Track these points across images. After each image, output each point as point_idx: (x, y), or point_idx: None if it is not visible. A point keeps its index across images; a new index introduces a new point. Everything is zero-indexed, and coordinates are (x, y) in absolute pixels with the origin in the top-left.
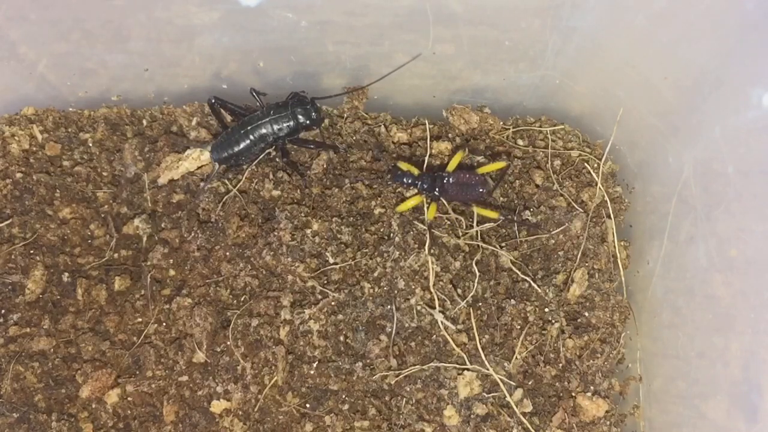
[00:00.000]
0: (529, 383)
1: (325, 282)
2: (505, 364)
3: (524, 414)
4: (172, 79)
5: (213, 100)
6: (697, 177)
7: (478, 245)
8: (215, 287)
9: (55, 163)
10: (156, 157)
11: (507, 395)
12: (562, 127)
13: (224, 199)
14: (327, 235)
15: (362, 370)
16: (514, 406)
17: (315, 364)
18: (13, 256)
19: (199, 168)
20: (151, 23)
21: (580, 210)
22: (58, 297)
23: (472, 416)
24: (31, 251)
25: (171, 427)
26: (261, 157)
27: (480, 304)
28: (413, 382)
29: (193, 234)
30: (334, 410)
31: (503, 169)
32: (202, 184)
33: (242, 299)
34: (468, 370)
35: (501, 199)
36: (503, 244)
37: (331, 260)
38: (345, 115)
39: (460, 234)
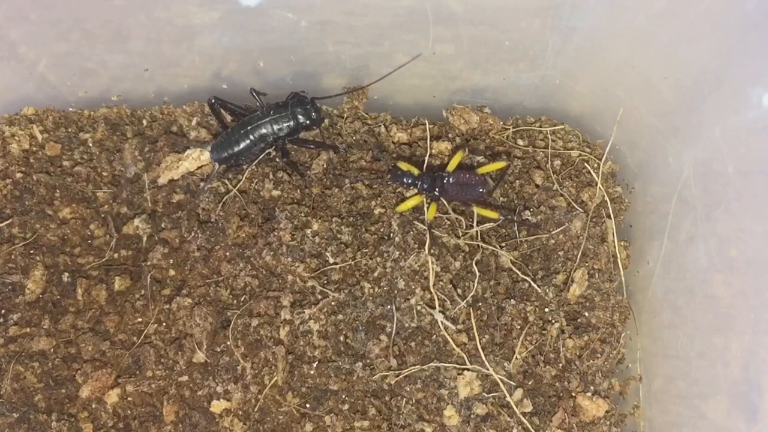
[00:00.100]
0: (529, 383)
1: (325, 282)
2: (505, 364)
3: (524, 414)
4: (172, 79)
5: (213, 100)
6: (697, 177)
7: (478, 245)
8: (215, 287)
9: (55, 163)
10: (156, 157)
11: (507, 395)
12: (562, 127)
13: (224, 199)
14: (327, 235)
15: (362, 370)
16: (514, 406)
17: (315, 364)
18: (13, 256)
19: (199, 168)
20: (151, 23)
21: (580, 210)
22: (58, 297)
23: (472, 416)
24: (31, 251)
25: (171, 427)
26: (261, 157)
27: (480, 304)
28: (413, 382)
29: (193, 234)
30: (334, 410)
31: (503, 169)
32: (202, 184)
33: (242, 299)
34: (468, 370)
35: (501, 199)
36: (503, 244)
37: (331, 260)
38: (345, 115)
39: (460, 234)
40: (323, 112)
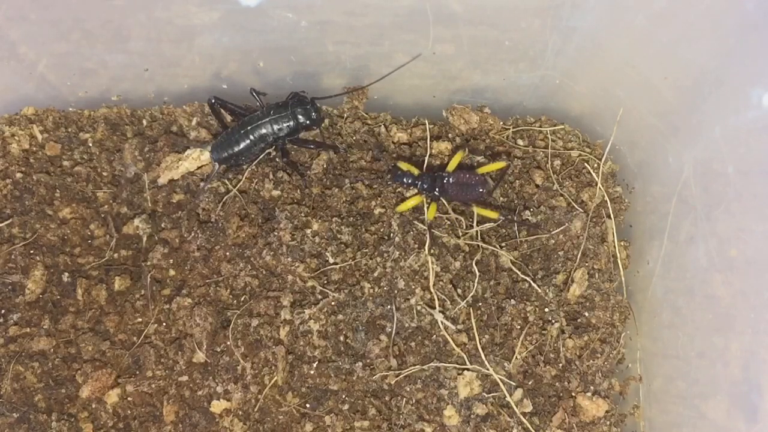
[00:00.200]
0: (529, 383)
1: (325, 282)
2: (505, 364)
3: (524, 414)
4: (172, 79)
5: (213, 100)
6: (697, 177)
7: (478, 245)
8: (215, 287)
9: (55, 163)
10: (156, 157)
11: (507, 395)
12: (562, 127)
13: (224, 199)
14: (327, 235)
15: (362, 370)
16: (514, 406)
17: (315, 364)
18: (13, 256)
19: (199, 168)
20: (151, 23)
21: (580, 210)
22: (58, 297)
23: (472, 416)
24: (31, 251)
25: (171, 427)
26: (261, 157)
27: (480, 304)
28: (413, 382)
29: (193, 234)
30: (334, 410)
31: (503, 169)
32: (202, 184)
33: (242, 299)
34: (468, 370)
35: (501, 199)
36: (503, 244)
37: (331, 260)
38: (345, 115)
39: (460, 234)
40: (323, 112)
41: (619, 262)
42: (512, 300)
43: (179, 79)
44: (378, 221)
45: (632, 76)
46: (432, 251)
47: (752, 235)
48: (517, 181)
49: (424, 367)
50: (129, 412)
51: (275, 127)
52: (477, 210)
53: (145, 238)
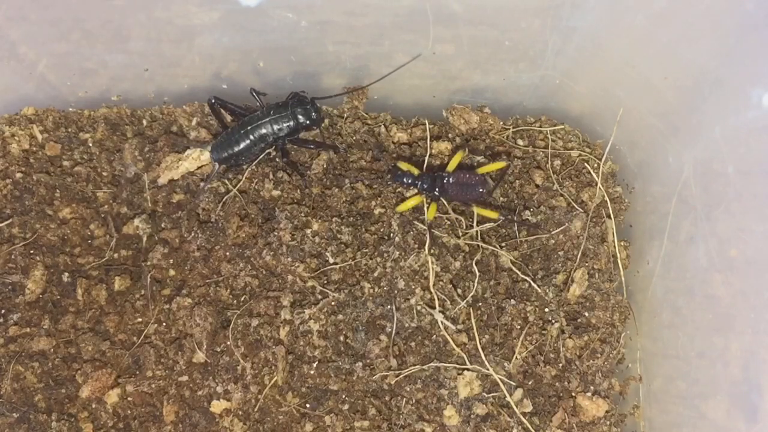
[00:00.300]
0: (529, 383)
1: (325, 282)
2: (505, 364)
3: (524, 414)
4: (172, 79)
5: (213, 100)
6: (697, 177)
7: (478, 245)
8: (215, 287)
9: (55, 163)
10: (156, 157)
11: (507, 395)
12: (562, 127)
13: (224, 199)
14: (327, 235)
15: (362, 370)
16: (514, 406)
17: (315, 364)
18: (13, 256)
19: (199, 168)
20: (151, 23)
21: (580, 210)
22: (58, 297)
23: (472, 416)
24: (31, 251)
25: (171, 427)
26: (261, 157)
27: (480, 304)
28: (413, 382)
29: (193, 234)
30: (334, 410)
31: (503, 169)
32: (202, 184)
33: (242, 299)
34: (468, 370)
35: (501, 199)
36: (503, 244)
37: (331, 260)
38: (345, 115)
39: (460, 234)
40: (323, 112)
41: (619, 262)
42: (512, 300)
43: (179, 79)
44: (378, 221)
45: (632, 76)
46: (432, 251)
47: (752, 235)
48: (517, 181)
49: (424, 367)
50: (129, 412)
51: (275, 127)
52: (477, 210)
53: (145, 238)
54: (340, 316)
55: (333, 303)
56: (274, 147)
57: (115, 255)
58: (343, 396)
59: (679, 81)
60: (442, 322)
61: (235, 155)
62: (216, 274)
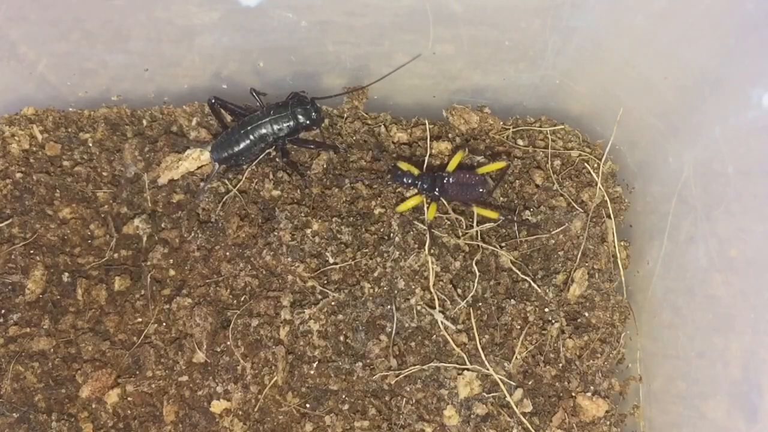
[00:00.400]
0: (529, 383)
1: (325, 282)
2: (505, 364)
3: (524, 414)
4: (172, 79)
5: (213, 100)
6: (697, 177)
7: (478, 245)
8: (215, 287)
9: (55, 163)
10: (156, 157)
11: (507, 395)
12: (562, 127)
13: (224, 199)
14: (327, 235)
15: (362, 370)
16: (514, 406)
17: (315, 364)
18: (13, 256)
19: (199, 168)
20: (151, 23)
21: (580, 210)
22: (58, 297)
23: (472, 416)
24: (31, 251)
25: (171, 427)
26: (261, 157)
27: (480, 304)
28: (413, 382)
29: (193, 234)
30: (334, 410)
31: (503, 169)
32: (202, 184)
33: (242, 299)
34: (468, 370)
35: (501, 199)
36: (503, 244)
37: (331, 260)
38: (345, 115)
39: (460, 234)
40: (323, 112)
41: (619, 262)
42: (512, 300)
43: (179, 79)
44: (378, 221)
45: (632, 76)
46: (432, 251)
47: (752, 235)
48: (517, 181)
49: (424, 367)
50: (129, 412)
51: (275, 127)
52: (477, 210)
53: (145, 238)
54: (340, 316)
55: (333, 303)
56: (274, 147)
57: (115, 255)
58: (343, 396)
59: (679, 81)
60: (442, 322)
61: (235, 155)
62: (216, 274)
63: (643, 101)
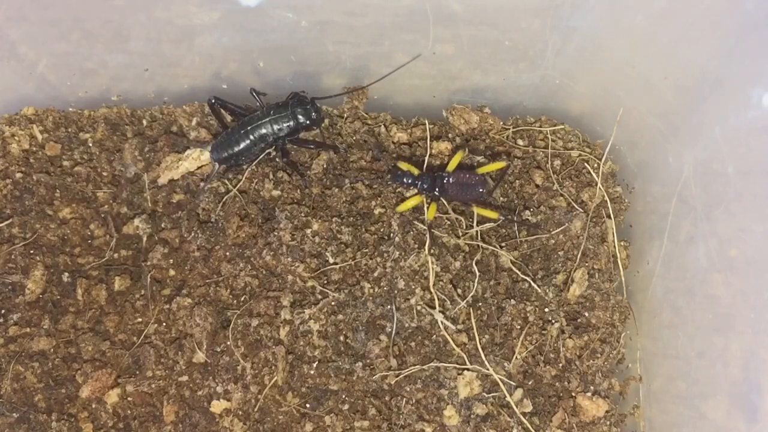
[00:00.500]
0: (529, 383)
1: (325, 282)
2: (505, 364)
3: (524, 414)
4: (172, 79)
5: (213, 100)
6: (697, 177)
7: (478, 245)
8: (215, 287)
9: (55, 163)
10: (156, 157)
11: (507, 395)
12: (562, 127)
13: (224, 199)
14: (327, 235)
15: (362, 370)
16: (514, 406)
17: (315, 364)
18: (13, 256)
19: (199, 168)
20: (151, 23)
21: (580, 210)
22: (58, 297)
23: (472, 416)
24: (31, 251)
25: (171, 427)
26: (261, 157)
27: (480, 304)
28: (413, 382)
29: (193, 234)
30: (334, 410)
31: (503, 169)
32: (202, 184)
33: (242, 299)
34: (468, 370)
35: (501, 199)
36: (503, 244)
37: (331, 260)
38: (345, 115)
39: (460, 234)
40: (323, 112)
41: (619, 262)
42: (512, 300)
43: (179, 79)
44: (378, 221)
45: (632, 76)
46: (432, 251)
47: (752, 235)
48: (517, 181)
49: (424, 367)
50: (129, 412)
51: (275, 127)
52: (477, 210)
53: (145, 238)
54: (340, 316)
55: (333, 303)
56: (274, 147)
57: (115, 255)
58: (343, 396)
59: (679, 81)
60: (442, 322)
61: (235, 155)
62: (216, 274)
63: (643, 101)
